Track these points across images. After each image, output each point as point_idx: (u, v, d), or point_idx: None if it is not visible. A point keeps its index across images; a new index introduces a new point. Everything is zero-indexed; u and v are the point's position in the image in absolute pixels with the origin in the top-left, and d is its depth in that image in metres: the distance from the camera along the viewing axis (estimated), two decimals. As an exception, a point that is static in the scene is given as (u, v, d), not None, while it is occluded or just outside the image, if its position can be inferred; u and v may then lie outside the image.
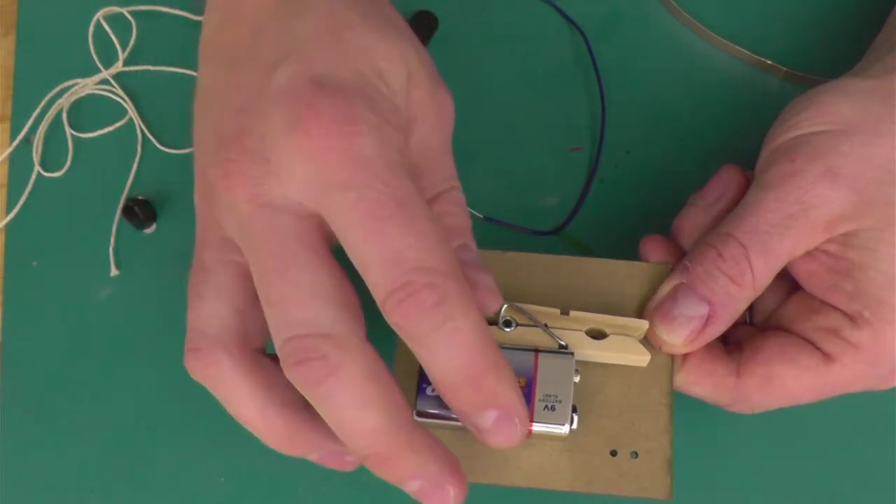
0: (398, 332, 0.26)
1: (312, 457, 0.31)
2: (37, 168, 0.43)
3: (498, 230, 0.41)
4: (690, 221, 0.34)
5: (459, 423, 0.30)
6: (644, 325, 0.32)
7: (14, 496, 0.39)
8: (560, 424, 0.30)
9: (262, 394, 0.29)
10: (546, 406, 0.30)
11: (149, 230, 0.42)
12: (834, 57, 0.41)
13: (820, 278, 0.32)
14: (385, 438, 0.27)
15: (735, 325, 0.33)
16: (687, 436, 0.36)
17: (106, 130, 0.43)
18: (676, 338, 0.32)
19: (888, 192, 0.31)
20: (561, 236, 0.41)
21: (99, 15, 0.45)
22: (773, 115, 0.34)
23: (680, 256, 0.34)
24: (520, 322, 0.32)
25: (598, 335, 0.32)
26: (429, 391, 0.31)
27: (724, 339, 0.34)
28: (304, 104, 0.27)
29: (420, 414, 0.31)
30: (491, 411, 0.27)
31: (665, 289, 0.33)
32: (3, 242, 0.42)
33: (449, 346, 0.26)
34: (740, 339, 0.34)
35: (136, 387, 0.40)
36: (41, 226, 0.42)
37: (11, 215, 0.42)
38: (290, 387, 0.28)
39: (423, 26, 0.44)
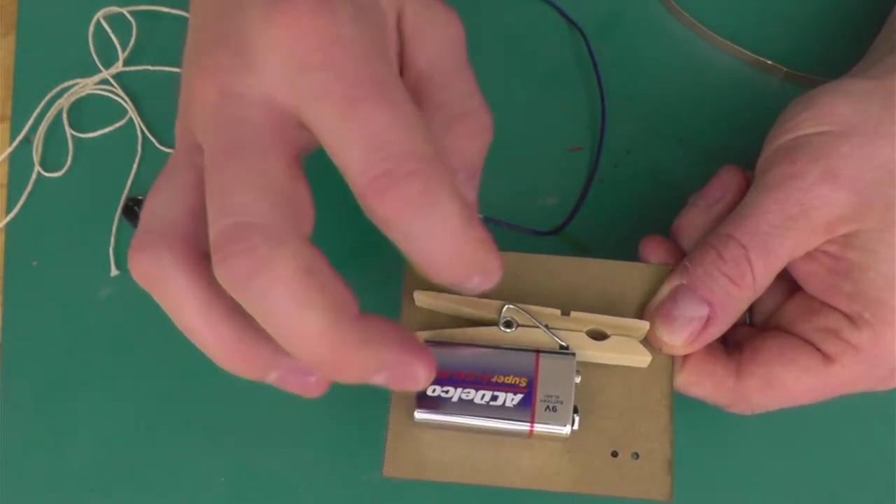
0: (379, 223, 0.25)
1: (271, 378, 0.27)
2: (37, 168, 0.43)
3: (498, 230, 0.41)
4: (690, 222, 0.34)
5: (460, 422, 0.30)
6: (645, 325, 0.32)
7: (14, 496, 0.39)
8: (561, 425, 0.30)
9: (207, 298, 0.26)
10: (547, 407, 0.30)
11: (149, 230, 0.42)
12: (834, 57, 0.42)
13: (820, 279, 0.32)
14: (331, 338, 0.24)
15: (735, 326, 0.34)
16: (687, 437, 0.36)
17: (106, 130, 0.43)
18: (677, 339, 0.32)
19: (888, 194, 0.31)
20: (561, 236, 0.41)
21: (99, 15, 0.45)
22: (773, 115, 0.34)
23: (680, 257, 0.34)
24: (520, 323, 0.32)
25: (598, 336, 0.32)
26: (429, 391, 0.31)
27: (724, 339, 0.34)
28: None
29: (420, 412, 0.31)
30: (475, 276, 0.26)
31: (665, 290, 0.33)
32: (3, 242, 0.42)
33: (438, 233, 0.25)
34: (740, 340, 0.34)
35: (136, 387, 0.40)
36: (41, 226, 0.42)
37: (11, 215, 0.42)
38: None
39: (423, 26, 0.44)
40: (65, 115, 0.44)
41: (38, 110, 0.44)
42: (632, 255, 0.35)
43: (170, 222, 0.26)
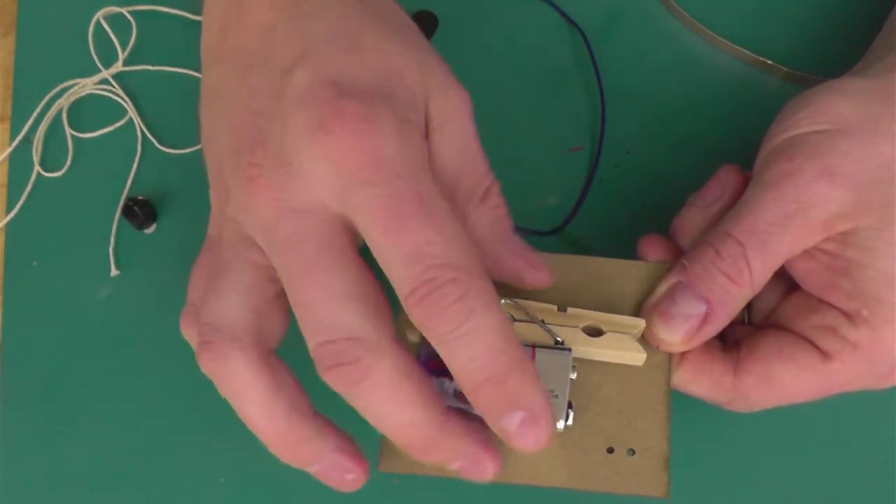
0: (421, 330, 0.27)
1: (313, 469, 0.31)
2: (37, 168, 0.43)
3: (498, 230, 0.41)
4: (689, 221, 0.35)
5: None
6: (641, 323, 0.32)
7: (14, 496, 0.39)
8: (556, 420, 0.30)
9: (270, 394, 0.29)
10: None
11: (149, 230, 0.42)
12: (834, 57, 0.42)
13: (818, 277, 0.32)
14: (421, 431, 0.28)
15: (733, 325, 0.34)
16: (685, 434, 0.36)
17: (106, 130, 0.44)
18: (674, 336, 0.32)
19: (887, 191, 0.31)
20: (561, 236, 0.41)
21: (99, 15, 0.45)
22: (773, 115, 0.35)
23: (678, 256, 0.34)
24: (517, 318, 0.32)
25: (594, 332, 0.32)
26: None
27: (723, 338, 0.34)
28: (325, 105, 0.28)
29: None
30: (517, 413, 0.27)
31: (663, 287, 0.33)
32: (3, 242, 0.42)
33: (472, 343, 0.26)
34: (739, 339, 0.34)
35: (136, 387, 0.40)
36: (41, 226, 0.42)
37: (11, 215, 0.42)
38: (299, 392, 0.29)
39: (423, 26, 0.44)
40: (65, 115, 0.44)
41: (38, 110, 0.44)
42: (632, 254, 0.35)
43: (238, 324, 0.29)
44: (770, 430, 0.38)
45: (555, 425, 0.28)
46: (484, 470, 0.29)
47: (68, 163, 0.43)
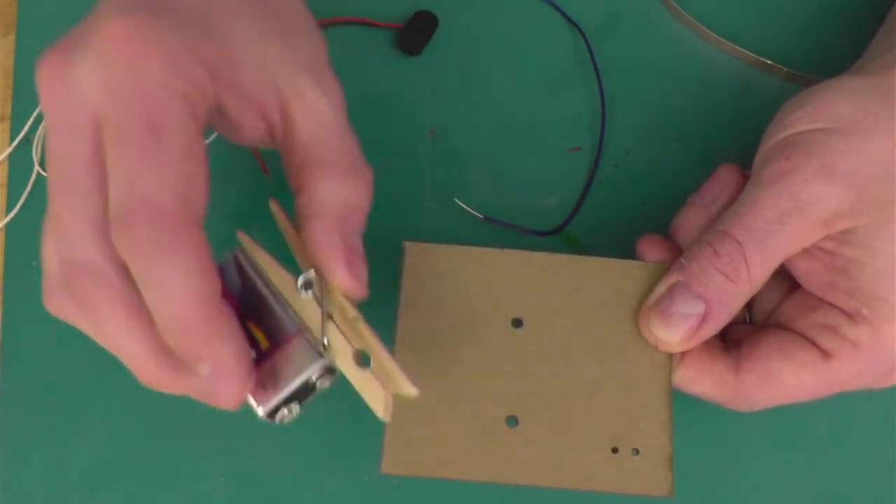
0: (124, 259, 0.27)
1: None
2: (37, 168, 0.43)
3: (498, 230, 0.41)
4: (688, 221, 0.35)
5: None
6: (410, 390, 0.30)
7: (14, 496, 0.39)
8: (258, 403, 0.29)
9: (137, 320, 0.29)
10: (261, 382, 0.29)
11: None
12: (834, 57, 0.42)
13: (818, 276, 0.32)
14: (147, 363, 0.28)
15: (734, 324, 0.34)
16: (688, 434, 0.36)
17: (106, 130, 0.43)
18: (673, 336, 0.32)
19: (885, 190, 0.31)
20: (561, 236, 0.41)
21: (99, 15, 0.45)
22: (772, 115, 0.35)
23: (678, 255, 0.34)
24: (317, 295, 0.30)
25: (361, 361, 0.30)
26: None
27: (724, 337, 0.34)
28: (123, 8, 0.28)
29: None
30: (205, 364, 0.28)
31: (662, 287, 0.33)
32: (3, 242, 0.42)
33: (160, 288, 0.26)
34: (739, 338, 0.34)
35: (136, 387, 0.40)
36: (41, 226, 0.42)
37: (11, 215, 0.43)
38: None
39: (423, 26, 0.44)
40: (65, 115, 0.44)
41: (38, 110, 0.44)
42: (632, 254, 0.36)
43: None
44: (772, 429, 0.38)
45: (247, 387, 0.27)
46: (217, 400, 0.29)
47: (68, 163, 0.43)
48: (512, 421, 0.32)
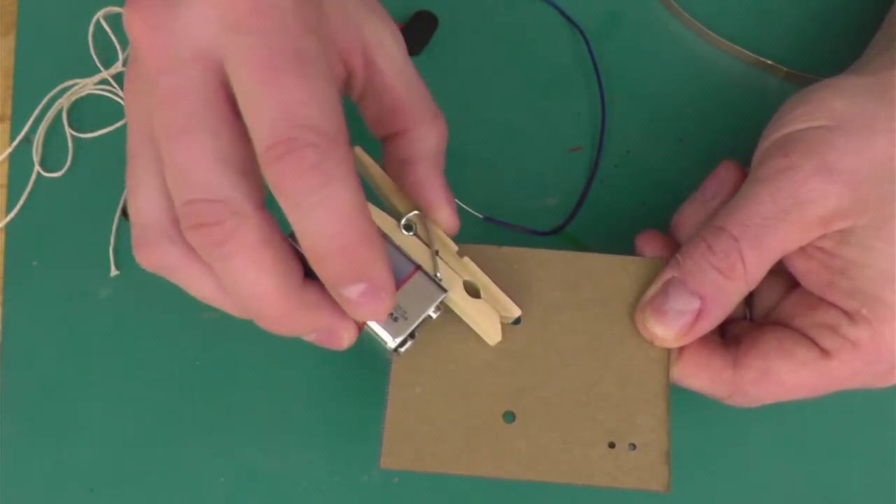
0: (273, 191, 0.26)
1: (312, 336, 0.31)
2: (37, 168, 0.43)
3: (498, 230, 0.41)
4: (688, 217, 0.35)
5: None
6: (515, 311, 0.33)
7: (14, 496, 0.39)
8: (391, 336, 0.31)
9: (280, 263, 0.29)
10: (393, 315, 0.31)
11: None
12: (834, 57, 0.42)
13: (817, 276, 0.32)
14: (278, 302, 0.28)
15: (734, 321, 0.34)
16: (685, 429, 0.36)
17: (106, 130, 0.44)
18: (668, 332, 0.32)
19: (883, 189, 0.31)
20: (561, 236, 0.41)
21: (99, 15, 0.45)
22: (772, 115, 0.35)
23: (676, 251, 0.34)
24: (419, 235, 0.33)
25: (472, 292, 0.33)
26: None
27: (723, 333, 0.34)
28: None
29: None
30: (359, 284, 0.27)
31: (657, 283, 0.33)
32: (3, 242, 0.42)
33: (323, 211, 0.26)
34: (739, 334, 0.34)
35: (136, 386, 0.40)
36: (41, 226, 0.43)
37: (11, 215, 0.43)
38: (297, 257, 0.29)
39: (423, 26, 0.44)
40: (65, 115, 0.44)
41: (37, 110, 0.44)
42: (631, 254, 0.35)
43: (163, 216, 0.29)
44: (771, 425, 0.38)
45: (392, 300, 0.28)
46: (339, 339, 0.30)
47: (68, 163, 0.43)
48: (509, 416, 0.33)
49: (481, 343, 0.33)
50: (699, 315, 0.32)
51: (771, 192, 0.31)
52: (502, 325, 0.33)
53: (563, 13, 0.44)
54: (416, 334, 0.31)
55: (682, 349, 0.33)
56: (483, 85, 0.44)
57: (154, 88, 0.28)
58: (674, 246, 0.35)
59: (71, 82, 0.44)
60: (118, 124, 0.44)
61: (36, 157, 0.43)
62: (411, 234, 0.32)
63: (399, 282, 0.31)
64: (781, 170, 0.32)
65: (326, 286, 0.28)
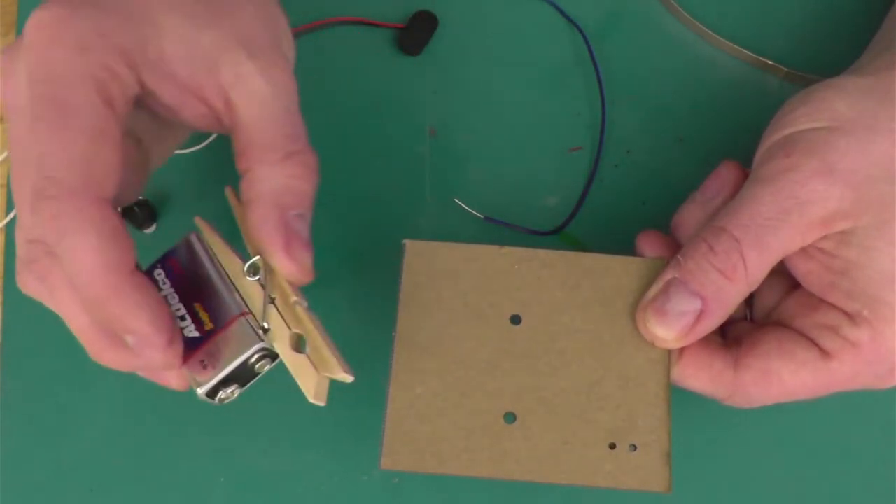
0: None
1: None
2: (37, 168, 0.43)
3: (498, 230, 0.41)
4: (689, 217, 0.35)
5: None
6: (346, 378, 0.30)
7: (14, 496, 0.39)
8: (200, 384, 0.30)
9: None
10: (202, 361, 0.30)
11: (149, 230, 0.42)
12: (834, 57, 0.42)
13: (818, 277, 0.32)
14: (105, 282, 0.28)
15: (735, 321, 0.34)
16: (686, 430, 0.36)
17: (106, 130, 0.43)
18: (669, 332, 0.32)
19: (884, 190, 0.31)
20: (561, 236, 0.41)
21: (99, 15, 0.45)
22: (772, 115, 0.35)
23: (676, 251, 0.34)
24: (261, 281, 0.31)
25: (296, 345, 0.31)
26: (156, 273, 0.33)
27: (724, 334, 0.34)
28: (43, 6, 0.30)
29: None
30: (128, 336, 0.29)
31: (658, 284, 0.33)
32: (3, 242, 0.42)
33: (69, 262, 0.27)
34: (740, 335, 0.34)
35: (136, 387, 0.40)
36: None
37: (11, 215, 0.43)
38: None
39: (423, 26, 0.44)
40: (65, 116, 0.44)
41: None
42: (632, 254, 0.35)
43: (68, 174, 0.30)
44: (771, 426, 0.38)
45: (171, 353, 0.28)
46: (151, 358, 0.29)
47: (68, 163, 0.43)
48: (510, 417, 0.33)
49: (483, 343, 0.33)
50: (700, 316, 0.32)
51: (772, 192, 0.31)
52: (503, 325, 0.33)
53: (563, 13, 0.44)
54: (243, 384, 0.30)
55: (682, 350, 0.33)
56: (483, 85, 0.44)
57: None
58: (674, 246, 0.35)
59: (71, 82, 0.44)
60: (118, 124, 0.44)
61: (36, 157, 0.43)
62: (256, 278, 0.31)
63: (222, 325, 0.30)
64: (783, 170, 0.32)
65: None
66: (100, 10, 0.30)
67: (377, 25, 0.44)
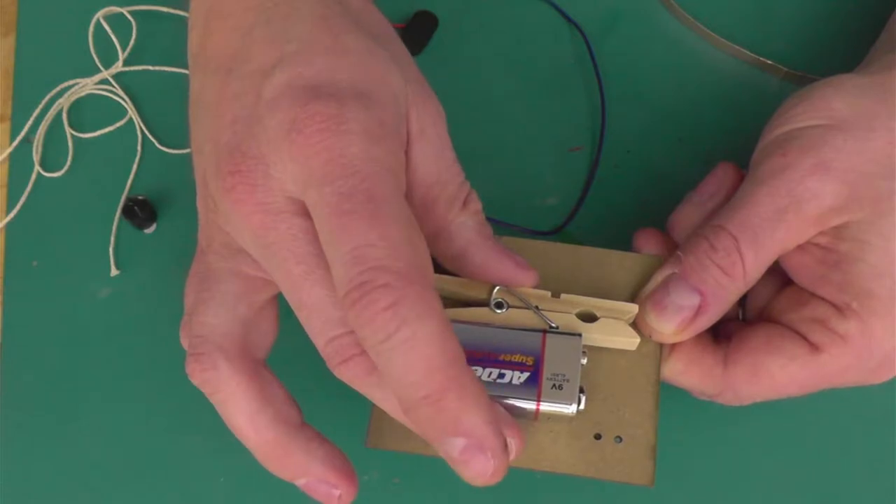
0: (359, 337, 0.26)
1: (300, 482, 0.31)
2: (37, 168, 0.43)
3: (498, 230, 0.41)
4: (685, 217, 0.35)
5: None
6: (633, 308, 0.33)
7: (14, 496, 0.39)
8: (567, 404, 0.31)
9: (256, 404, 0.30)
10: (554, 385, 0.31)
11: (149, 230, 0.42)
12: (834, 57, 0.42)
13: (809, 269, 0.32)
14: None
15: (727, 320, 0.34)
16: (674, 425, 0.36)
17: (106, 130, 0.44)
18: (667, 326, 0.32)
19: (880, 185, 0.31)
20: (561, 236, 0.41)
21: (99, 15, 0.45)
22: (772, 115, 0.35)
23: (673, 250, 0.34)
24: (511, 304, 0.33)
25: (588, 318, 0.33)
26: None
27: (715, 334, 0.35)
28: (298, 107, 0.28)
29: None
30: (457, 439, 0.25)
31: (658, 278, 0.33)
32: (3, 242, 0.43)
33: (403, 356, 0.24)
34: (730, 334, 0.34)
35: (136, 387, 0.40)
36: (41, 226, 0.43)
37: (11, 215, 0.43)
38: (288, 403, 0.31)
39: (423, 26, 0.44)
40: (65, 115, 0.44)
41: (38, 110, 0.44)
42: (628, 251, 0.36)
43: (226, 335, 0.30)
44: (759, 425, 0.39)
45: (502, 459, 0.26)
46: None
47: (68, 163, 0.43)
48: None
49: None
50: (698, 311, 0.32)
51: (768, 191, 0.32)
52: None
53: (563, 13, 0.45)
54: (583, 386, 0.32)
55: (674, 346, 0.33)
56: (483, 85, 0.44)
57: (258, 240, 0.28)
58: (671, 245, 0.35)
59: (71, 82, 0.45)
60: (118, 124, 0.44)
61: (36, 157, 0.44)
62: (505, 309, 0.32)
63: (538, 355, 0.31)
64: (779, 169, 0.32)
65: (429, 442, 0.26)
66: (358, 96, 0.28)
67: (377, 25, 0.44)
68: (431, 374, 0.24)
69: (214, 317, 0.30)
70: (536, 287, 0.33)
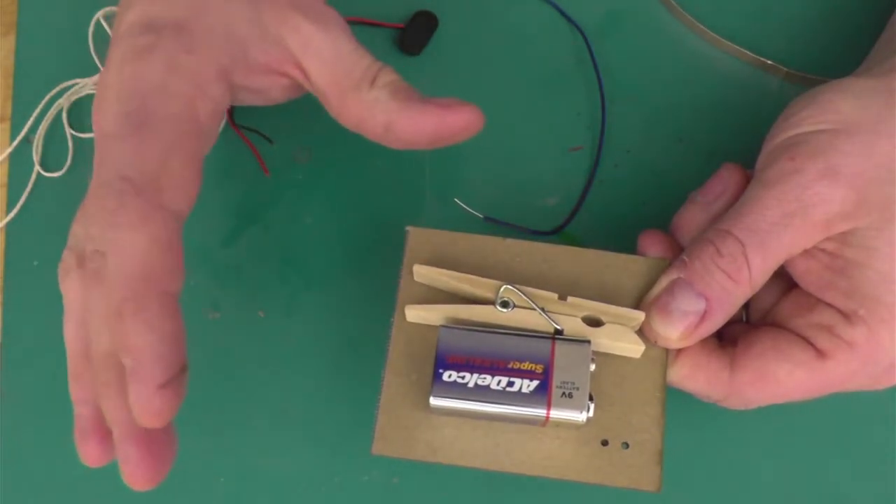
0: None
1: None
2: (37, 168, 0.43)
3: (498, 230, 0.41)
4: (690, 218, 0.35)
5: (476, 408, 0.30)
6: (640, 316, 0.32)
7: (14, 496, 0.39)
8: (577, 411, 0.31)
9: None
10: (563, 393, 0.31)
11: (149, 230, 0.42)
12: (834, 57, 0.42)
13: (816, 275, 0.32)
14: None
15: (731, 323, 0.34)
16: (680, 431, 0.36)
17: (106, 130, 0.44)
18: (672, 332, 0.32)
19: (887, 192, 0.31)
20: (561, 236, 0.41)
21: (99, 15, 0.45)
22: (773, 115, 0.35)
23: (678, 252, 0.34)
24: (517, 304, 0.33)
25: (594, 323, 0.33)
26: (445, 376, 0.31)
27: (720, 337, 0.34)
28: (132, 38, 0.33)
29: (435, 398, 0.31)
30: (128, 357, 0.30)
31: (663, 283, 0.33)
32: (3, 242, 0.42)
33: (111, 258, 0.29)
34: (736, 337, 0.34)
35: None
36: (41, 226, 0.43)
37: (11, 215, 0.43)
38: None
39: (423, 26, 0.44)
40: (65, 115, 0.44)
41: (38, 110, 0.44)
42: (632, 254, 0.35)
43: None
44: (768, 427, 0.38)
45: (180, 393, 0.29)
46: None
47: (68, 163, 0.43)
48: None
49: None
50: (703, 317, 0.32)
51: (776, 196, 0.32)
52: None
53: (563, 13, 0.44)
54: (592, 394, 0.32)
55: (679, 351, 0.33)
56: (483, 85, 0.44)
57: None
58: (676, 247, 0.35)
59: (71, 82, 0.44)
60: (118, 124, 0.44)
61: (36, 157, 0.43)
62: (510, 309, 0.32)
63: (545, 360, 0.31)
64: (787, 173, 0.32)
65: None
66: (185, 33, 0.33)
67: (377, 25, 0.44)
68: (122, 286, 0.30)
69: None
70: (544, 281, 0.33)
